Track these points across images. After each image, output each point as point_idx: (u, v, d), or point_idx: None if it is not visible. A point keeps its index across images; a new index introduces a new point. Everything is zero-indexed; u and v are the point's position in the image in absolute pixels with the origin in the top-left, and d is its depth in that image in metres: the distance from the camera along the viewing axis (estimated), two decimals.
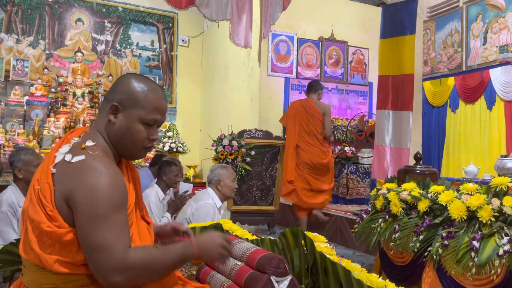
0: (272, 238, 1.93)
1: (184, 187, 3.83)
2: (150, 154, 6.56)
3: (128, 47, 8.40)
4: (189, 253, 1.28)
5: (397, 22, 4.67)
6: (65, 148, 1.29)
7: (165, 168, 3.80)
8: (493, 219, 2.17)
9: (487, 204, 2.21)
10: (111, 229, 1.18)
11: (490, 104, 7.09)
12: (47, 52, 7.76)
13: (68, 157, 1.24)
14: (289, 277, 1.51)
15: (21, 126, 6.67)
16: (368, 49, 8.69)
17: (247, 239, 1.97)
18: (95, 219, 1.17)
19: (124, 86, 1.33)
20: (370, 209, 3.08)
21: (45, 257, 1.21)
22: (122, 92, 1.32)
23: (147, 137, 1.34)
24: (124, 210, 1.24)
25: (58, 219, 1.21)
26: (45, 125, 6.65)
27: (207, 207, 3.06)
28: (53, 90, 7.25)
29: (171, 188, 3.88)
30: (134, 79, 1.35)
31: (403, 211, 2.69)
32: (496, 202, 2.19)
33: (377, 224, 2.86)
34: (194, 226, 2.27)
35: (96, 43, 8.16)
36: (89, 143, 1.28)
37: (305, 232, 1.79)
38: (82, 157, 1.23)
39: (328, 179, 5.27)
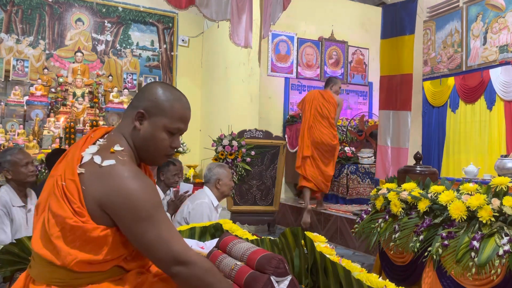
0: (272, 238, 1.93)
1: (184, 187, 3.82)
2: None
3: (128, 47, 8.40)
4: None
5: (397, 22, 4.67)
6: (92, 148, 1.31)
7: (163, 167, 3.80)
8: (493, 219, 2.17)
9: (487, 204, 2.21)
10: (160, 227, 1.23)
11: (490, 104, 7.09)
12: (47, 52, 7.76)
13: (97, 160, 1.26)
14: (289, 277, 1.51)
15: (21, 126, 6.67)
16: (368, 49, 8.69)
17: (247, 239, 1.96)
18: (142, 222, 1.22)
19: (151, 94, 1.36)
20: (370, 209, 3.08)
21: (65, 252, 1.21)
22: (149, 100, 1.35)
23: (169, 145, 1.39)
24: (163, 208, 1.30)
25: (85, 215, 1.22)
26: (45, 125, 6.65)
27: (202, 206, 3.06)
28: (53, 90, 7.25)
29: (171, 188, 3.88)
30: (161, 88, 1.38)
31: (403, 211, 2.69)
32: (496, 202, 2.19)
33: (377, 224, 2.85)
34: (194, 226, 2.27)
35: (96, 43, 8.16)
36: (118, 147, 1.31)
37: (305, 232, 1.79)
38: (112, 161, 1.26)
39: (332, 164, 5.76)
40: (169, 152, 1.41)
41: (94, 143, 1.34)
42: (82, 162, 1.28)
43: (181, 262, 1.23)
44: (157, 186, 3.79)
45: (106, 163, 1.25)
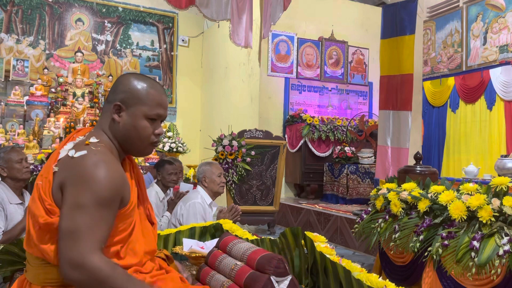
0: (272, 238, 1.93)
1: (185, 187, 3.82)
2: (151, 154, 6.54)
3: (128, 47, 8.40)
4: None
5: (397, 22, 4.67)
6: (70, 145, 1.31)
7: (159, 167, 3.81)
8: (493, 219, 2.17)
9: (487, 204, 2.21)
10: (87, 222, 1.17)
11: (490, 104, 7.09)
12: (47, 52, 7.76)
13: (71, 153, 1.26)
14: (289, 277, 1.51)
15: (21, 126, 6.67)
16: (368, 49, 8.69)
17: (247, 239, 1.97)
18: (76, 207, 1.17)
19: (125, 86, 1.36)
20: (370, 209, 3.08)
21: (46, 249, 1.21)
22: (123, 91, 1.35)
23: (152, 132, 1.37)
24: (110, 209, 1.22)
25: (56, 212, 1.22)
26: (45, 125, 6.65)
27: (195, 207, 3.03)
28: (53, 90, 7.25)
29: (171, 188, 3.88)
30: (134, 78, 1.38)
31: (403, 211, 2.69)
32: (496, 202, 2.19)
33: (377, 224, 2.85)
34: (194, 226, 2.27)
35: (96, 43, 8.16)
36: (93, 139, 1.30)
37: (305, 232, 1.79)
38: (84, 152, 1.25)
39: None
40: (153, 140, 1.39)
41: (74, 141, 1.34)
42: (58, 159, 1.28)
43: (77, 265, 1.14)
44: (157, 186, 3.81)
45: (78, 154, 1.24)
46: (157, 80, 8.48)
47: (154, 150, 7.00)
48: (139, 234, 1.34)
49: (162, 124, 1.44)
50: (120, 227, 1.28)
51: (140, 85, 1.36)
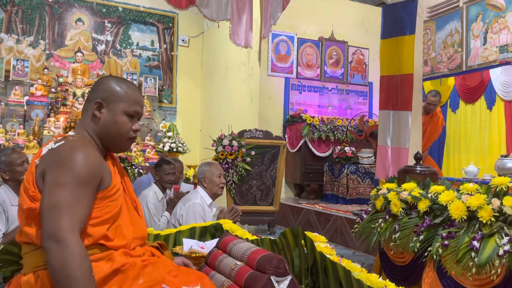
0: (272, 238, 1.93)
1: (185, 187, 3.82)
2: (151, 154, 6.54)
3: (128, 47, 8.40)
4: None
5: (397, 22, 4.67)
6: (51, 143, 1.39)
7: (158, 167, 3.81)
8: (493, 219, 2.17)
9: (487, 204, 2.21)
10: (67, 198, 1.23)
11: (490, 104, 7.09)
12: (47, 52, 7.76)
13: (51, 146, 1.35)
14: (289, 277, 1.51)
15: (21, 126, 6.67)
16: (368, 49, 8.69)
17: (247, 239, 1.97)
18: (56, 185, 1.24)
19: (105, 85, 1.47)
20: (370, 209, 3.08)
21: (31, 232, 1.28)
22: (104, 90, 1.46)
23: (131, 128, 1.47)
24: (89, 188, 1.29)
25: (38, 199, 1.28)
26: (45, 125, 6.65)
27: (195, 207, 3.03)
28: (53, 90, 7.25)
29: (171, 188, 3.88)
30: (113, 79, 1.50)
31: (403, 211, 2.69)
32: (496, 202, 2.19)
33: (377, 224, 2.85)
34: (194, 226, 2.27)
35: (96, 43, 8.16)
36: (71, 133, 1.42)
37: (305, 232, 1.79)
38: (62, 142, 1.35)
39: None
40: (132, 135, 1.47)
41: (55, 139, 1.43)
42: (42, 155, 1.35)
43: (56, 238, 1.18)
44: (155, 186, 3.81)
45: (57, 144, 1.34)
46: (158, 80, 8.49)
47: (153, 151, 6.98)
48: (127, 220, 1.40)
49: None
50: (105, 208, 1.34)
51: (119, 85, 1.47)
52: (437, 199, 2.46)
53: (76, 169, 1.26)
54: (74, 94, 7.16)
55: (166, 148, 7.22)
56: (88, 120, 1.44)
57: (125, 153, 5.44)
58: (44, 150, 1.36)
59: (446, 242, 2.28)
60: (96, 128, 1.43)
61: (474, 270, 2.10)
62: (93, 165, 1.31)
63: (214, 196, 3.19)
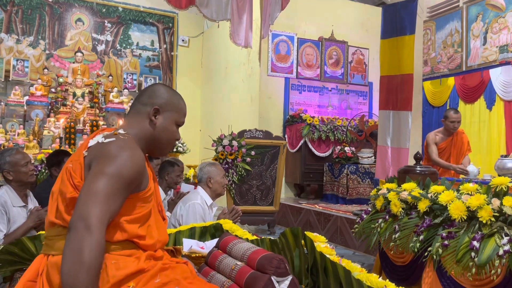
0: (272, 238, 1.93)
1: (186, 188, 3.82)
2: None
3: (128, 47, 8.40)
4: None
5: (397, 22, 4.67)
6: (99, 136, 1.42)
7: (168, 168, 3.79)
8: (493, 219, 2.17)
9: (487, 204, 2.21)
10: (107, 188, 1.25)
11: (490, 104, 7.09)
12: (47, 52, 7.76)
13: (101, 139, 1.38)
14: (290, 277, 1.51)
15: (21, 126, 6.67)
16: (368, 49, 8.69)
17: (247, 239, 1.96)
18: (100, 174, 1.27)
19: (162, 93, 1.54)
20: (370, 209, 3.08)
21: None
22: (161, 97, 1.52)
23: (176, 137, 1.57)
24: (128, 187, 1.32)
25: None
26: (45, 125, 6.65)
27: (195, 207, 3.03)
28: (53, 90, 7.24)
29: (172, 189, 3.88)
30: (167, 88, 1.57)
31: (403, 211, 2.69)
32: (496, 202, 2.19)
33: (377, 224, 2.85)
34: (194, 226, 2.27)
35: (96, 43, 8.16)
36: (121, 131, 1.44)
37: (305, 232, 1.79)
38: (113, 138, 1.37)
39: None
40: (175, 144, 1.60)
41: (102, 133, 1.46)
42: (89, 146, 1.39)
43: (86, 222, 1.18)
44: (158, 186, 3.81)
45: (107, 140, 1.37)
46: (157, 80, 8.49)
47: None
48: (154, 222, 1.44)
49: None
50: (139, 208, 1.38)
51: (175, 96, 1.56)
52: (437, 199, 2.46)
53: (122, 165, 1.30)
54: (74, 94, 7.16)
55: None
56: (143, 122, 1.49)
57: None
58: (91, 142, 1.39)
59: (446, 242, 2.28)
60: (148, 132, 1.49)
61: (474, 270, 2.11)
62: (138, 167, 1.35)
63: (217, 196, 3.20)
